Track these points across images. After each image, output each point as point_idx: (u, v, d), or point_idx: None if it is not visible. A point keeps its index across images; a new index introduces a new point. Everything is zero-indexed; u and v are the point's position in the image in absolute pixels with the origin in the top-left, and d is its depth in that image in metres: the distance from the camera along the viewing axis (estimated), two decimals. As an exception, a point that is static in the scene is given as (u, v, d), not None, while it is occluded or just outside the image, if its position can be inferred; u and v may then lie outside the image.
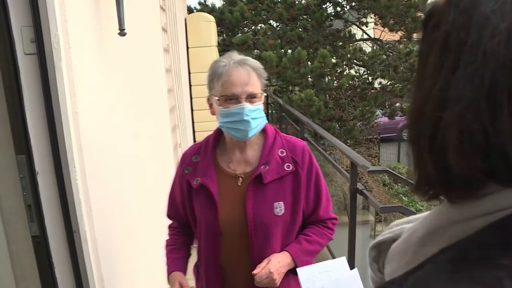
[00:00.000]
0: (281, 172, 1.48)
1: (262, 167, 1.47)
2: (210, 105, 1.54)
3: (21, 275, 1.75)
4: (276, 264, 1.46)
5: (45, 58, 1.36)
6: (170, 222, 1.74)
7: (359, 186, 3.09)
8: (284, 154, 1.50)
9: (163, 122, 3.47)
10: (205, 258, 1.56)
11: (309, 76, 7.31)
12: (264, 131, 1.55)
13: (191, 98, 6.09)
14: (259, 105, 1.47)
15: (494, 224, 0.45)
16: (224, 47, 8.65)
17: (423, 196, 0.53)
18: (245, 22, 7.90)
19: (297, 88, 8.38)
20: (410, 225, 0.60)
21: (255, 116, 1.44)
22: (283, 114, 7.08)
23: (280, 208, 1.48)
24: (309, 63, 7.59)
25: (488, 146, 0.43)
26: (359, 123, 9.27)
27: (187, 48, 5.92)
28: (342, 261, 1.45)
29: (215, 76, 1.45)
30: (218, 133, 1.59)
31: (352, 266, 1.50)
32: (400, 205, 2.54)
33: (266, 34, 7.84)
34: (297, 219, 1.53)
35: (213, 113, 1.54)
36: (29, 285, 1.66)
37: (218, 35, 8.46)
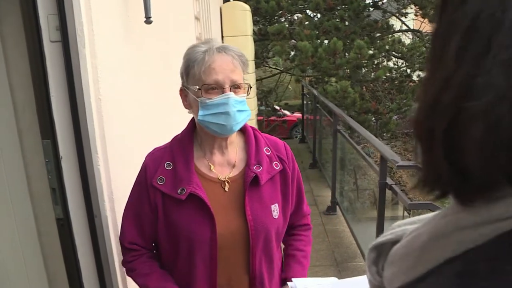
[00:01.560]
0: (271, 171, 1.34)
1: (255, 167, 1.31)
2: (185, 97, 1.33)
3: (49, 255, 1.82)
4: None
5: (69, 45, 1.39)
6: (129, 247, 1.39)
7: (389, 181, 3.02)
8: (270, 152, 1.37)
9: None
10: (197, 283, 1.31)
11: (345, 67, 7.18)
12: (242, 129, 1.37)
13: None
14: (244, 97, 1.28)
15: (506, 234, 0.40)
16: (260, 37, 8.62)
17: (429, 195, 0.48)
18: (281, 11, 7.83)
19: (333, 79, 8.27)
20: (414, 226, 0.55)
21: (241, 108, 1.26)
22: (317, 105, 7.01)
23: (276, 210, 1.35)
24: (346, 54, 7.47)
25: None
26: (395, 117, 9.05)
27: (222, 37, 5.94)
28: (334, 281, 1.39)
29: (194, 62, 1.24)
30: (192, 133, 1.37)
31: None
32: (430, 203, 2.46)
33: (302, 24, 7.76)
34: (287, 220, 1.41)
35: (187, 106, 1.33)
36: (56, 265, 1.72)
37: (254, 24, 8.43)
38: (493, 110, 0.37)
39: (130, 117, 1.77)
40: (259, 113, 10.47)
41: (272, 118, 11.53)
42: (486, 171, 0.39)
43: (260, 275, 1.35)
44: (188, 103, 1.33)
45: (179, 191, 1.27)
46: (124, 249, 1.40)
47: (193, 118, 1.37)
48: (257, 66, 9.69)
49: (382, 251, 0.60)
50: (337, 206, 4.96)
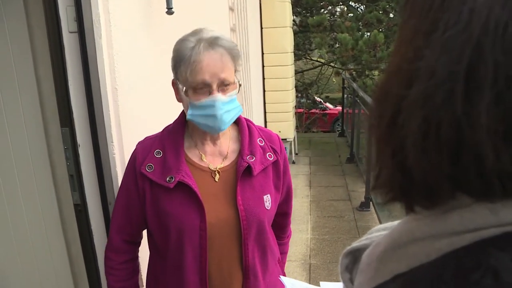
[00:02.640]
0: (264, 162, 1.33)
1: (248, 157, 1.30)
2: (177, 90, 1.30)
3: (71, 239, 1.89)
4: None
5: (85, 36, 1.42)
6: (115, 248, 1.39)
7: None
8: (263, 143, 1.36)
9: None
10: (188, 273, 1.29)
11: (386, 61, 7.00)
12: (236, 120, 1.35)
13: (263, 79, 6.12)
14: (234, 94, 1.25)
15: (455, 253, 0.35)
16: (301, 28, 8.54)
17: (382, 197, 0.43)
18: (322, 3, 7.72)
19: (375, 73, 8.07)
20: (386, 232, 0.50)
21: (229, 108, 1.24)
22: (356, 99, 6.88)
23: (269, 201, 1.33)
24: (388, 47, 7.27)
25: (459, 144, 0.32)
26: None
27: (261, 28, 5.93)
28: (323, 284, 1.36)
29: (181, 59, 1.21)
30: (183, 123, 1.35)
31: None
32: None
33: (344, 15, 7.62)
34: (275, 211, 1.40)
35: (179, 100, 1.32)
36: (77, 250, 1.79)
37: (296, 15, 8.36)
38: (431, 100, 0.33)
39: (146, 107, 1.80)
40: (300, 106, 10.41)
41: (313, 111, 11.42)
42: (428, 175, 0.35)
43: (253, 266, 1.34)
44: (179, 97, 1.31)
45: (167, 179, 1.25)
46: (111, 246, 1.40)
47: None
48: (298, 58, 9.62)
49: (357, 256, 0.55)
50: (371, 203, 4.87)
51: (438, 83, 0.32)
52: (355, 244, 0.57)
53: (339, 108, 11.19)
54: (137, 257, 1.46)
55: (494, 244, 0.33)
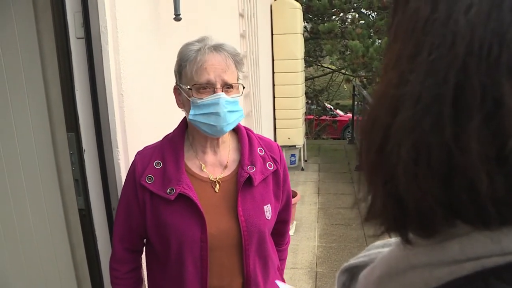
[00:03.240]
0: (265, 172, 1.33)
1: (249, 168, 1.30)
2: (178, 96, 1.32)
3: (76, 244, 1.89)
4: None
5: (92, 42, 1.43)
6: (119, 258, 1.39)
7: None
8: (263, 153, 1.36)
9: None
10: (188, 284, 1.28)
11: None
12: (235, 129, 1.37)
13: (273, 85, 6.12)
14: (237, 97, 1.27)
15: (455, 282, 0.34)
16: (312, 35, 8.54)
17: (375, 230, 0.41)
18: (333, 10, 7.72)
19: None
20: (386, 250, 0.48)
21: (232, 109, 1.25)
22: (367, 106, 6.84)
23: (269, 211, 1.33)
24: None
25: (450, 170, 0.31)
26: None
27: (272, 34, 5.94)
28: None
29: (186, 61, 1.24)
30: (183, 132, 1.36)
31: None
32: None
33: (355, 22, 7.60)
34: (275, 220, 1.40)
35: (180, 105, 1.32)
36: (82, 254, 1.79)
37: (307, 22, 8.36)
38: (419, 126, 0.32)
39: (152, 113, 1.80)
40: (310, 112, 10.39)
41: (323, 117, 11.39)
42: (420, 201, 0.33)
43: (255, 277, 1.33)
44: (181, 102, 1.32)
45: (168, 191, 1.25)
46: (115, 257, 1.39)
47: (185, 117, 1.36)
48: (309, 64, 9.61)
49: (355, 273, 0.55)
50: (380, 211, 4.82)
51: (425, 108, 0.31)
52: (353, 260, 0.56)
53: (349, 115, 11.15)
54: (140, 265, 1.46)
55: (496, 275, 0.32)
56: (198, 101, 1.23)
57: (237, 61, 1.27)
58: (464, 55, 0.30)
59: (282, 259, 1.61)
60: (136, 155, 1.36)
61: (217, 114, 1.23)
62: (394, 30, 0.38)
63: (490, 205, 0.30)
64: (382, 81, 0.38)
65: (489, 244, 0.33)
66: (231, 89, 1.26)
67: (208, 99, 1.23)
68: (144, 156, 1.33)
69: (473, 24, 0.30)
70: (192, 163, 1.33)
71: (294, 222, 4.53)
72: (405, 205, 0.35)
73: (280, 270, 1.54)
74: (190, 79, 1.23)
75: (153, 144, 1.38)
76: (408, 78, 0.33)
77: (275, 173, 1.37)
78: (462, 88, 0.30)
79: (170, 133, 1.37)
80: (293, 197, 4.35)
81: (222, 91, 1.23)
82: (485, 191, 0.30)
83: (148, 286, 1.45)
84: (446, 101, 0.30)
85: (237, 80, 1.28)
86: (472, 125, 0.30)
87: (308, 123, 9.59)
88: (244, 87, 1.30)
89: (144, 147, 1.38)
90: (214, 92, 1.23)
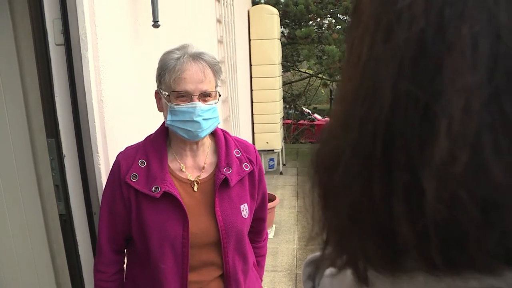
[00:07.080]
0: (241, 173, 1.39)
1: (225, 169, 1.36)
2: (159, 100, 1.38)
3: (56, 250, 1.89)
4: None
5: (71, 49, 1.44)
6: (106, 260, 1.40)
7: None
8: (240, 154, 1.42)
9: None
10: (168, 280, 1.32)
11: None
12: (213, 132, 1.42)
13: (251, 90, 6.16)
14: (214, 104, 1.33)
15: None
16: (289, 40, 8.62)
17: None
18: (310, 15, 7.81)
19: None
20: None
21: (208, 116, 1.30)
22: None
23: (246, 210, 1.39)
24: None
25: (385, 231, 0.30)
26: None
27: (249, 40, 5.99)
28: None
29: (166, 69, 1.29)
30: (164, 134, 1.40)
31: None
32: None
33: (331, 27, 7.71)
34: (251, 219, 1.46)
35: (160, 109, 1.38)
36: (62, 260, 1.79)
37: (284, 27, 8.44)
38: (350, 189, 0.31)
39: (132, 119, 1.82)
40: (288, 117, 10.46)
41: (301, 122, 11.49)
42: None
43: (235, 273, 1.39)
44: (160, 106, 1.37)
45: (153, 189, 1.29)
46: (102, 259, 1.39)
47: None
48: (286, 69, 9.69)
49: (320, 265, 0.54)
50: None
51: (355, 174, 0.31)
52: (317, 253, 0.58)
53: (327, 119, 11.24)
54: (123, 267, 1.48)
55: None
56: (176, 107, 1.28)
57: (216, 70, 1.32)
58: (387, 115, 0.29)
59: (262, 255, 1.66)
60: (118, 154, 1.39)
61: (192, 121, 1.28)
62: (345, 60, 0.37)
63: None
64: (335, 112, 0.37)
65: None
66: (209, 97, 1.31)
67: (184, 106, 1.28)
68: (128, 155, 1.37)
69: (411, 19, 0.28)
70: (173, 164, 1.37)
71: (274, 226, 4.57)
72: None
73: (260, 266, 1.61)
74: (169, 86, 1.28)
75: (135, 145, 1.41)
76: (350, 125, 0.32)
77: (251, 173, 1.42)
78: (390, 150, 0.29)
79: (152, 134, 1.41)
80: (272, 201, 4.40)
81: (199, 99, 1.28)
82: (411, 242, 0.29)
83: (125, 282, 1.45)
84: (376, 163, 0.29)
85: (215, 87, 1.33)
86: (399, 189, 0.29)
87: (286, 127, 9.67)
88: (220, 95, 1.35)
89: (126, 148, 1.41)
90: (191, 100, 1.28)
